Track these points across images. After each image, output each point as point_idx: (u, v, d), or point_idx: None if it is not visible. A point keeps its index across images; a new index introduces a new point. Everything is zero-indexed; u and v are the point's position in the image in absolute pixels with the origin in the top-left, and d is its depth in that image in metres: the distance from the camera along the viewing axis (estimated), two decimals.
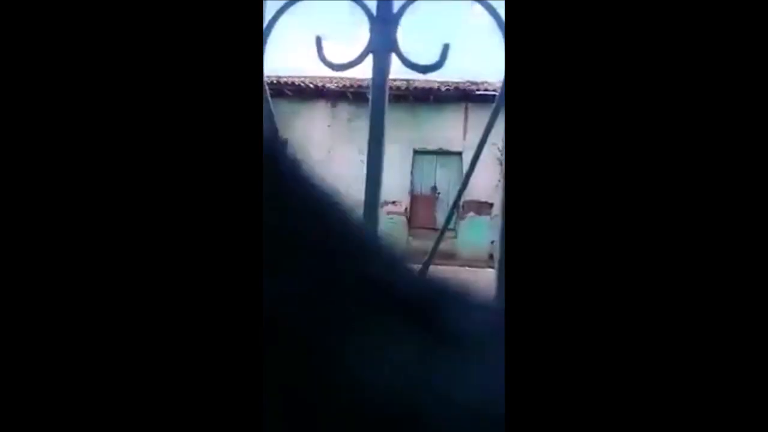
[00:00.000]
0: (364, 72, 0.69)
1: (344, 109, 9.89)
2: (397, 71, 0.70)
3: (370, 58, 0.67)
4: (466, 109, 9.74)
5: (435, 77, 9.23)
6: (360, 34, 0.70)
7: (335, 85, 9.67)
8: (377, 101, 0.66)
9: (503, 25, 0.66)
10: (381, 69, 0.66)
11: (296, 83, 9.74)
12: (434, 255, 0.70)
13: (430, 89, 9.57)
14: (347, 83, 9.35)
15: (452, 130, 9.74)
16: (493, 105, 0.67)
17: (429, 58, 0.70)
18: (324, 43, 0.71)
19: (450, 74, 9.27)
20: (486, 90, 9.11)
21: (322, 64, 0.71)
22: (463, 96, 9.63)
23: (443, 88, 9.56)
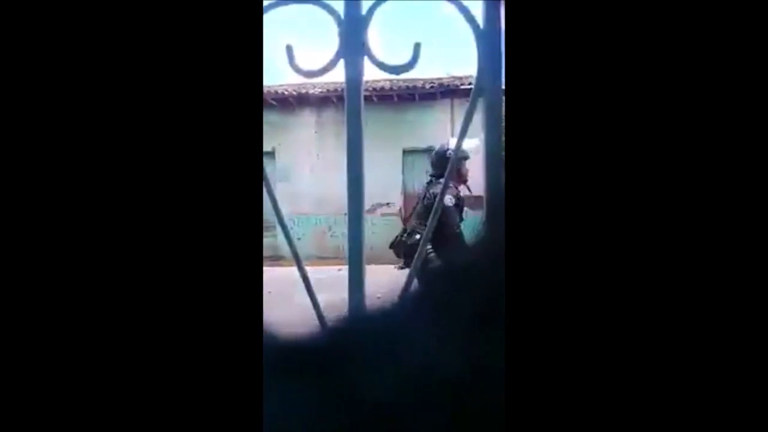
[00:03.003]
0: (342, 75, 0.69)
1: (329, 114, 9.88)
2: (379, 72, 0.70)
3: (342, 62, 0.67)
4: (452, 104, 9.75)
5: (418, 75, 9.24)
6: (332, 38, 0.70)
7: (318, 90, 9.66)
8: (352, 106, 0.66)
9: (474, 22, 0.66)
10: (353, 72, 0.65)
11: (279, 92, 9.72)
12: (423, 253, 0.70)
13: (415, 87, 9.57)
14: (331, 87, 9.34)
15: (440, 126, 9.75)
16: (470, 98, 0.67)
17: (403, 57, 0.70)
18: (299, 50, 0.70)
19: (433, 71, 9.29)
20: (470, 84, 9.11)
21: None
22: (448, 91, 9.65)
23: (428, 86, 9.56)
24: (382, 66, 0.66)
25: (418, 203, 3.23)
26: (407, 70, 0.67)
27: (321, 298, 0.72)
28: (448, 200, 2.91)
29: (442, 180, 2.95)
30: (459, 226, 2.93)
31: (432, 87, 9.60)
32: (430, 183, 3.05)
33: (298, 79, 9.25)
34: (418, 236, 3.05)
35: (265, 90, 9.43)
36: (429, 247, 2.99)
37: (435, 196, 2.91)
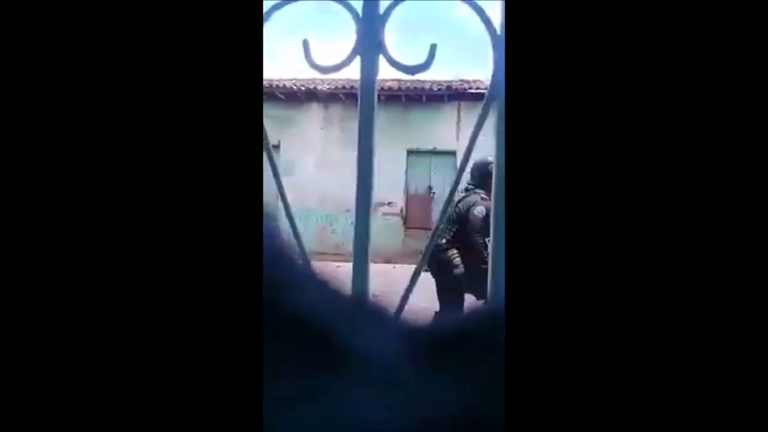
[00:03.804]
0: (355, 72, 0.69)
1: (337, 111, 9.88)
2: (388, 71, 0.70)
3: (358, 60, 0.67)
4: (459, 107, 9.75)
5: (427, 77, 9.24)
6: (348, 35, 0.70)
7: (327, 86, 9.65)
8: (366, 103, 0.66)
9: (489, 24, 0.66)
10: (368, 70, 0.66)
11: (288, 86, 9.72)
12: (428, 255, 0.70)
13: (423, 89, 9.57)
14: (339, 84, 9.34)
15: (445, 129, 9.75)
16: (483, 102, 0.67)
17: (417, 58, 0.70)
18: (312, 46, 0.70)
19: (441, 73, 9.29)
20: (478, 88, 9.15)
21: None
22: (456, 95, 9.65)
23: (435, 87, 9.56)
24: (397, 65, 0.66)
25: (451, 208, 3.27)
26: (422, 71, 0.67)
27: None
28: (479, 212, 2.97)
29: (479, 191, 2.99)
30: (485, 239, 2.98)
31: (440, 89, 9.60)
32: (467, 191, 3.06)
33: (307, 74, 9.26)
34: (444, 240, 3.09)
35: (273, 84, 9.43)
36: (455, 252, 3.05)
37: (468, 205, 2.94)
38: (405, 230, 10.03)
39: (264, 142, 0.71)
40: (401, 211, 10.11)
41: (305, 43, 0.67)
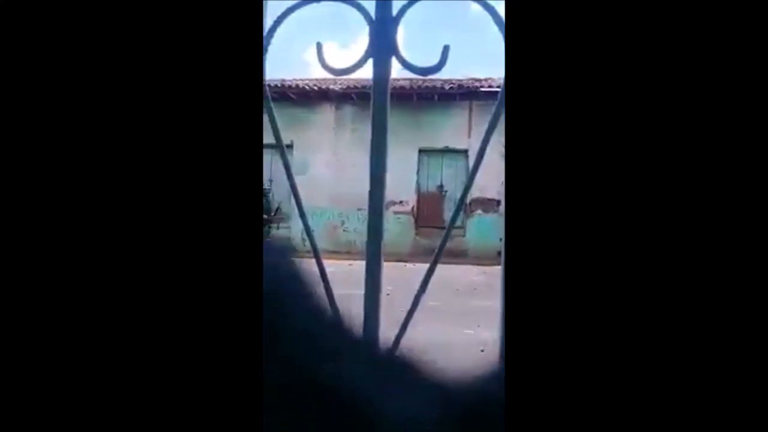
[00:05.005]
0: (367, 73, 0.70)
1: (349, 111, 9.89)
2: (401, 70, 0.71)
3: (371, 61, 0.67)
4: (470, 106, 9.70)
5: (438, 75, 9.18)
6: (362, 37, 0.70)
7: (339, 86, 9.66)
8: (379, 105, 0.66)
9: (502, 24, 0.66)
10: (381, 72, 0.66)
11: (300, 86, 9.74)
12: (441, 253, 0.70)
13: (434, 87, 9.54)
14: (351, 84, 9.35)
15: (457, 128, 9.71)
16: (496, 102, 0.68)
17: (430, 58, 0.70)
18: (325, 48, 0.71)
19: (454, 72, 9.25)
20: (490, 87, 9.10)
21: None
22: (468, 93, 9.59)
23: (447, 87, 9.52)
24: (409, 67, 0.66)
25: None
26: (434, 72, 0.68)
27: (335, 292, 0.73)
28: None
29: None
30: None
31: (451, 88, 9.55)
32: None
33: (319, 74, 9.27)
34: None
35: (285, 84, 9.46)
36: None
37: None
38: (416, 229, 10.00)
39: (277, 143, 0.72)
40: (413, 209, 10.09)
41: (318, 46, 0.68)
